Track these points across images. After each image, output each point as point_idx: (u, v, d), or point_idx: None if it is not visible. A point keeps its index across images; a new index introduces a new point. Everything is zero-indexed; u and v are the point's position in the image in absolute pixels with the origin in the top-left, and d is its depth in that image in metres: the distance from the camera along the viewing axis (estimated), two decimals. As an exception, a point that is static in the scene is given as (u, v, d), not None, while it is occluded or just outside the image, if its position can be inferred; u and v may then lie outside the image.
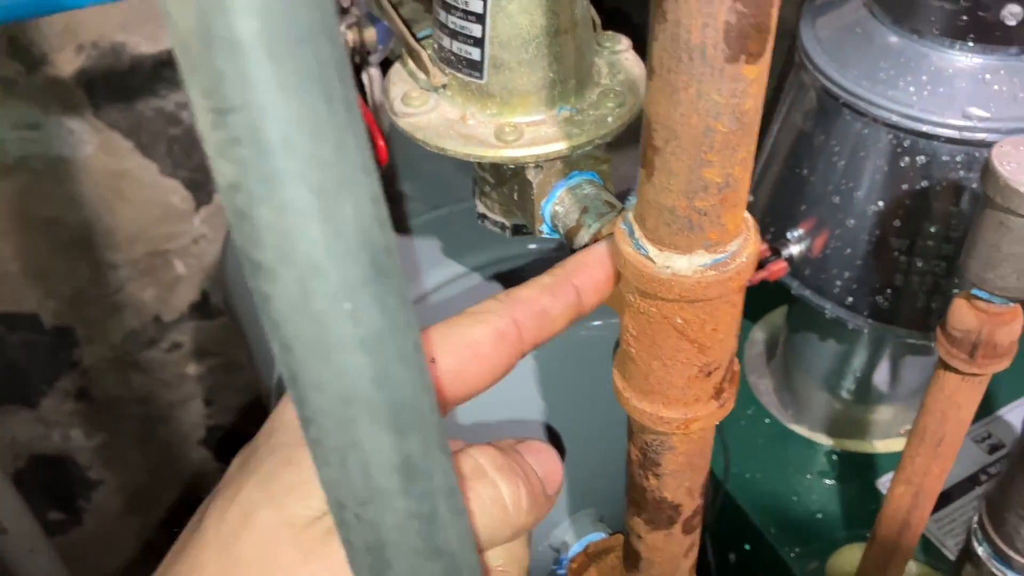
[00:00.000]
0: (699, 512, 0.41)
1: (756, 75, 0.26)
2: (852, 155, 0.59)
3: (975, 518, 0.57)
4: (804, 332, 0.76)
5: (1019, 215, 0.42)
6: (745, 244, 0.31)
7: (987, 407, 0.79)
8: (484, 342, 0.30)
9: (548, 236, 0.41)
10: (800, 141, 0.63)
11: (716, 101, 0.26)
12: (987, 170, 0.43)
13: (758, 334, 0.88)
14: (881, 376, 0.74)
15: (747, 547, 0.73)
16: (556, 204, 0.40)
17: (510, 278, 0.63)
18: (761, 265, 0.66)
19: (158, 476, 1.51)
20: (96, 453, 1.44)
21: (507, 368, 0.31)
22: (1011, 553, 0.54)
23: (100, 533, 1.51)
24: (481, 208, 0.45)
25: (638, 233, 0.31)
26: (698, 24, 0.24)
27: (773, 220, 0.68)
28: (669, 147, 0.27)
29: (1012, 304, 0.46)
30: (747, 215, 0.31)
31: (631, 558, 0.43)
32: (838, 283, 0.64)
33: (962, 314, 0.47)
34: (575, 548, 0.59)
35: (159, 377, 1.41)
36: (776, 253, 0.66)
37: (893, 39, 0.57)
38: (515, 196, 0.41)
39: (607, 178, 0.41)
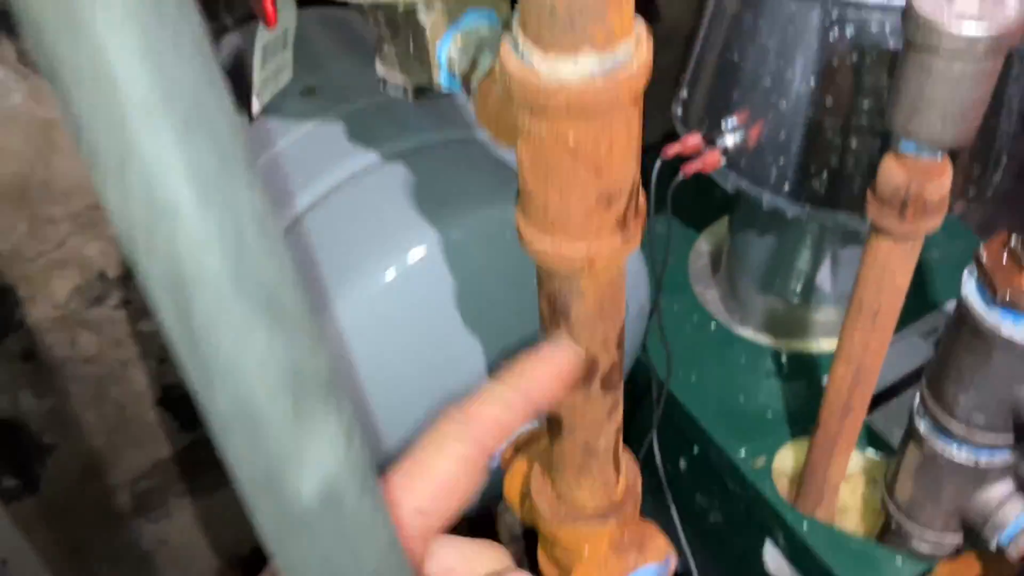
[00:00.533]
0: (617, 368, 0.39)
1: None
2: (781, 34, 0.58)
3: (917, 395, 0.57)
4: (746, 234, 0.75)
5: (940, 56, 0.40)
6: (637, 52, 0.29)
7: (933, 301, 0.78)
8: (456, 474, 0.29)
9: (448, 89, 0.39)
10: (730, 26, 0.62)
11: None
12: (907, 12, 0.41)
13: (703, 245, 0.87)
14: (824, 275, 0.73)
15: (696, 450, 0.72)
16: (452, 48, 0.38)
17: (414, 161, 0.60)
18: (696, 156, 0.65)
19: (114, 439, 1.48)
20: (48, 417, 1.40)
21: (478, 487, 0.30)
22: (950, 424, 0.53)
23: (58, 499, 1.48)
24: (381, 70, 0.42)
25: (522, 41, 0.29)
26: None
27: (708, 112, 0.66)
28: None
29: (940, 157, 0.45)
30: (640, 23, 0.30)
31: (553, 426, 0.42)
32: (774, 171, 0.63)
33: (890, 171, 0.46)
34: (507, 440, 0.57)
35: (108, 335, 1.38)
36: (710, 144, 0.64)
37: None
38: (411, 48, 0.39)
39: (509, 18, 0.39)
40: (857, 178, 0.61)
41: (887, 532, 0.64)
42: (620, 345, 0.38)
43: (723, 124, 0.64)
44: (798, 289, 0.75)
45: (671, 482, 0.76)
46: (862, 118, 0.58)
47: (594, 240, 0.33)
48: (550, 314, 0.36)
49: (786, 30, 0.58)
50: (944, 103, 0.42)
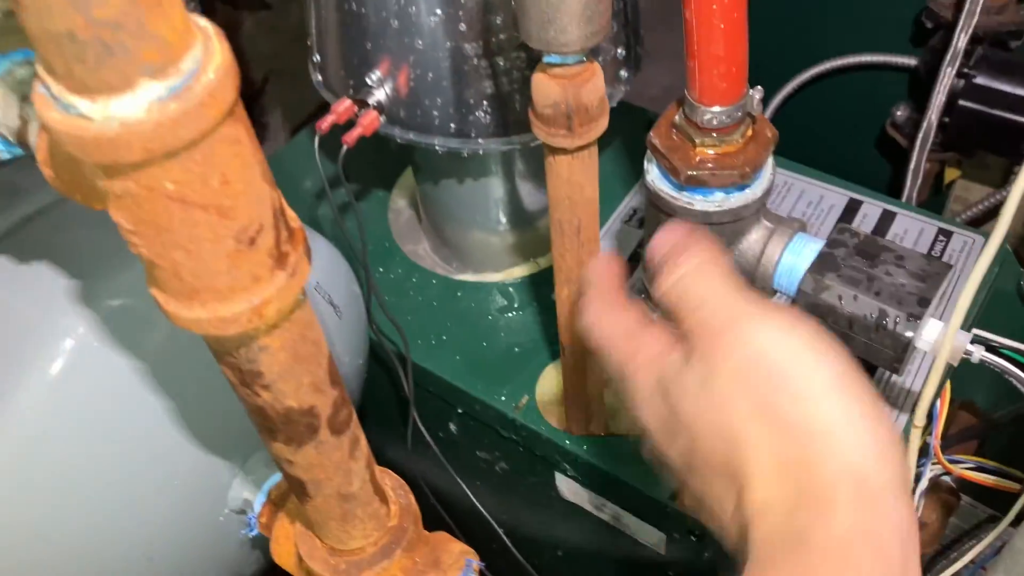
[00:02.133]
0: (342, 404, 0.34)
1: None
2: (391, -32, 0.53)
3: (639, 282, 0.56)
4: (435, 181, 0.71)
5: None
6: (209, 55, 0.23)
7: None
8: None
9: (7, 154, 0.31)
10: (336, -26, 0.56)
11: None
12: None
13: (398, 201, 0.82)
14: (526, 194, 0.72)
15: (460, 410, 0.70)
16: (-10, 107, 0.30)
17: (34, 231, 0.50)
18: (353, 121, 0.60)
19: None
20: None
21: None
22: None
23: None
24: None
25: (56, 88, 0.22)
26: None
27: (348, 72, 0.61)
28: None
29: (585, 60, 0.43)
30: (200, 21, 0.24)
31: (297, 489, 0.36)
32: (436, 113, 0.59)
33: (543, 89, 0.43)
34: (260, 499, 0.51)
35: None
36: (363, 105, 0.59)
37: None
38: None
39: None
40: (517, 97, 0.59)
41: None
42: (335, 380, 0.33)
43: (368, 80, 0.59)
44: (503, 217, 0.73)
45: (448, 449, 0.73)
46: (501, 35, 0.56)
47: (253, 288, 0.27)
48: (240, 379, 0.30)
49: (396, -35, 0.53)
50: (571, 5, 0.39)
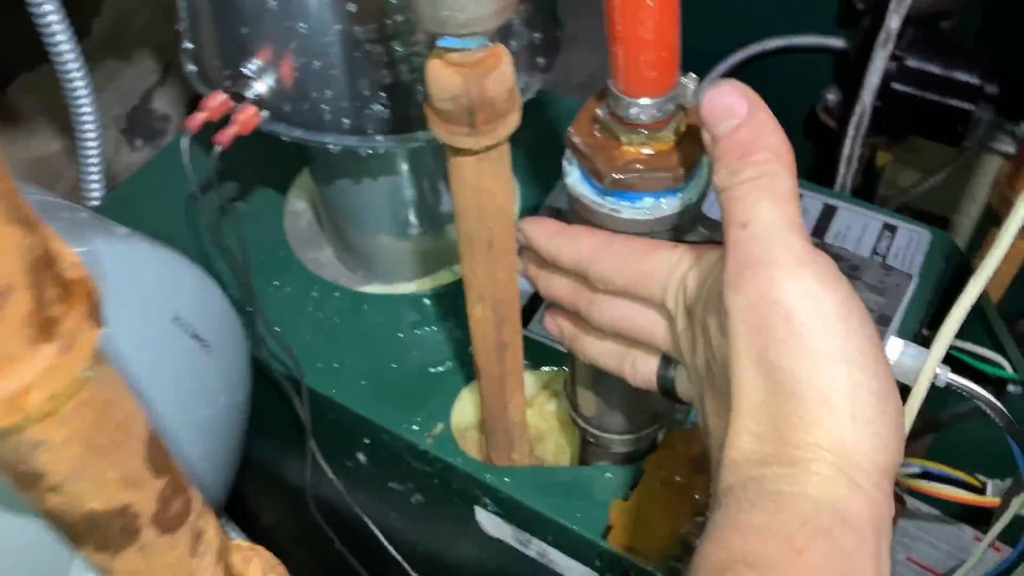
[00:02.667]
0: (177, 493, 0.26)
1: None
2: (262, -63, 0.45)
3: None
4: (333, 182, 0.63)
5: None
6: None
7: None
8: None
9: None
10: (199, -56, 0.48)
11: None
12: None
13: (296, 204, 0.74)
14: (439, 194, 0.65)
15: (367, 440, 0.62)
16: None
17: None
18: (228, 119, 0.51)
19: None
20: None
21: None
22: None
23: None
24: None
25: None
26: None
27: (224, 61, 0.52)
28: None
29: (490, 44, 0.36)
30: None
31: (126, 594, 0.28)
32: (326, 107, 0.51)
33: (440, 79, 0.36)
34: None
35: None
36: (240, 99, 0.51)
37: None
38: None
39: None
40: (421, 88, 0.51)
41: (587, 445, 0.59)
42: (161, 466, 0.25)
43: (245, 70, 0.51)
44: (413, 220, 0.65)
45: (356, 481, 0.65)
46: (398, 16, 0.48)
47: (8, 370, 0.19)
48: (20, 486, 0.22)
49: (268, -65, 0.45)
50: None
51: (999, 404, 0.43)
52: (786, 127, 1.21)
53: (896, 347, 0.41)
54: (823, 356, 0.30)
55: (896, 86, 1.16)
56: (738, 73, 1.35)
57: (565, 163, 0.43)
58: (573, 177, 0.42)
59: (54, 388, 0.20)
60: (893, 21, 1.07)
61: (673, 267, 0.38)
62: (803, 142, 1.43)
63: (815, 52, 1.32)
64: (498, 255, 0.44)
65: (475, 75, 0.36)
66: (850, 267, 0.42)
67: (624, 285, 0.40)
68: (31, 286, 0.19)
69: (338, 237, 0.69)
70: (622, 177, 0.40)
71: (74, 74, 0.67)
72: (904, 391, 0.42)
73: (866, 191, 1.42)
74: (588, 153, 0.41)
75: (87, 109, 0.69)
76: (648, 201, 0.41)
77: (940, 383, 0.41)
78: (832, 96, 1.31)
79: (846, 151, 1.18)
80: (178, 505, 0.27)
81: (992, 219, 0.78)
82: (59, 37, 0.63)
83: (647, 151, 0.40)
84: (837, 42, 1.29)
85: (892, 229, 0.68)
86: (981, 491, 0.78)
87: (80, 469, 0.23)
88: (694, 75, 0.39)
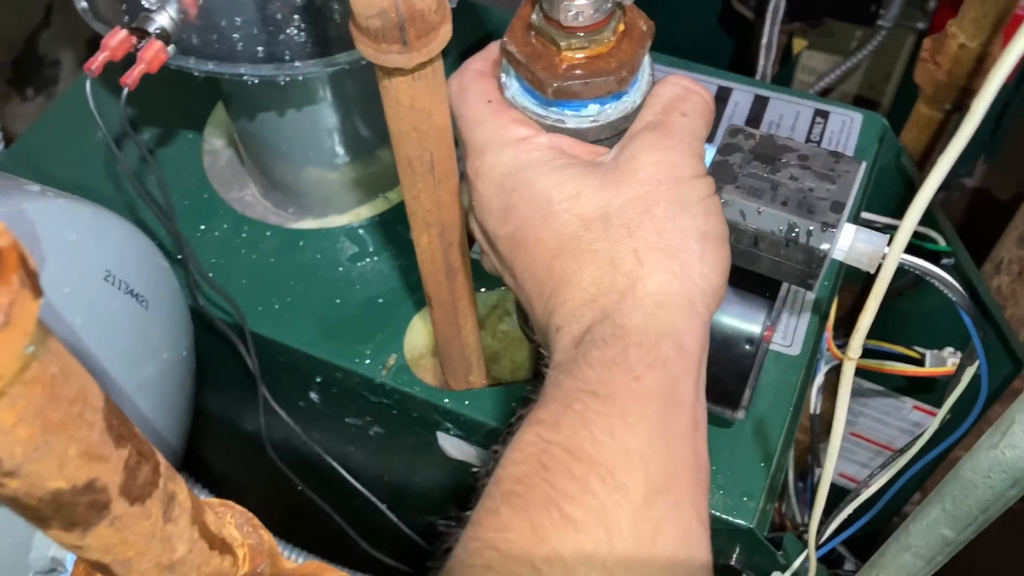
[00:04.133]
0: (144, 459, 0.25)
1: None
2: None
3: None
4: (252, 116, 0.60)
5: None
6: None
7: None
8: None
9: None
10: None
11: None
12: None
13: (213, 142, 0.70)
14: (365, 119, 0.62)
15: (319, 379, 0.61)
16: None
17: None
18: (131, 59, 0.48)
19: None
20: None
21: None
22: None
23: None
24: None
25: None
26: None
27: (118, -8, 0.48)
28: None
29: (412, -49, 0.33)
30: None
31: (102, 572, 0.27)
32: (236, 37, 0.48)
33: (364, -7, 0.34)
34: (71, 557, 0.41)
35: None
36: (143, 34, 0.48)
37: None
38: None
39: None
40: (337, 6, 0.48)
41: (541, 358, 0.59)
42: (123, 433, 0.24)
43: (145, 2, 0.47)
44: (339, 149, 0.63)
45: (311, 420, 0.64)
46: (304, -70, 0.45)
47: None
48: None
49: None
50: None
51: (951, 279, 0.43)
52: (703, 19, 1.21)
53: (849, 233, 0.41)
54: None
55: (809, -32, 1.16)
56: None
57: (503, 75, 0.41)
58: (512, 90, 0.40)
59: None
60: (803, -97, 1.05)
61: None
62: (719, 32, 1.42)
63: (727, -62, 1.30)
64: (441, 178, 0.43)
65: (402, -14, 0.33)
66: (799, 156, 0.41)
67: None
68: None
69: (263, 174, 0.66)
70: (565, 85, 0.38)
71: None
72: (858, 273, 0.42)
73: (783, 77, 1.42)
74: (526, 63, 0.39)
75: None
76: (593, 108, 0.39)
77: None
78: (746, -15, 1.29)
79: (764, 39, 1.17)
80: (145, 472, 0.25)
81: (913, 96, 0.78)
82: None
83: (587, 54, 0.38)
84: (749, -75, 1.27)
85: (824, 115, 0.68)
86: (920, 362, 0.81)
87: (37, 450, 0.21)
88: (629, -31, 0.37)
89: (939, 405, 0.60)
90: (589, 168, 0.38)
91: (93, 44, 1.48)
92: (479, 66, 0.42)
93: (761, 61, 1.18)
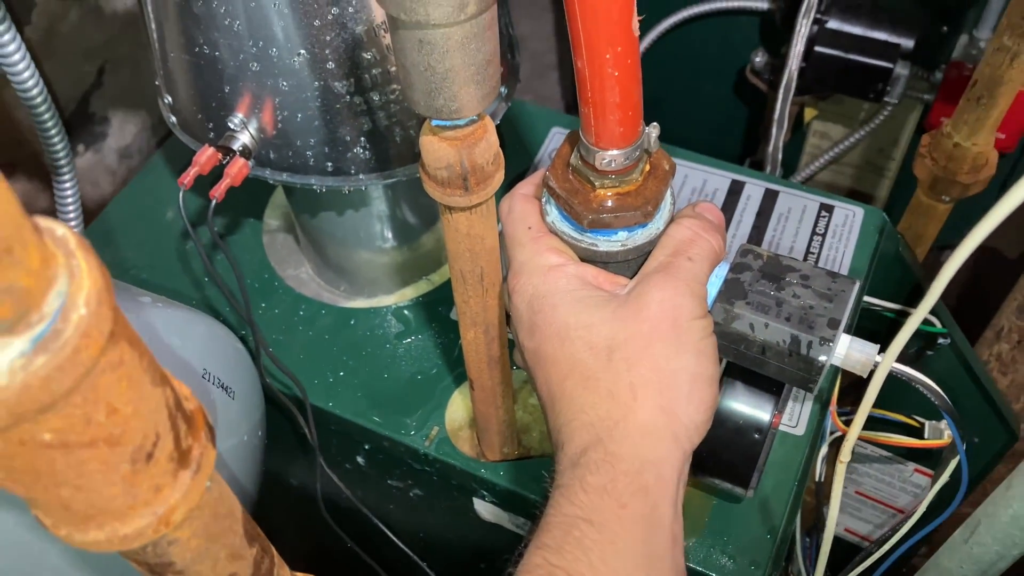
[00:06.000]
0: (265, 555, 0.31)
1: None
2: (244, 10, 0.48)
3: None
4: (315, 210, 0.67)
5: (434, 26, 0.34)
6: (75, 285, 0.19)
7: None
8: None
9: None
10: (181, 16, 0.51)
11: None
12: (378, -11, 0.34)
13: (271, 223, 0.78)
14: (412, 211, 0.69)
15: (367, 446, 0.67)
16: None
17: None
18: (219, 174, 0.55)
19: None
20: None
21: None
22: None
23: None
24: None
25: None
26: None
27: (206, 116, 0.55)
28: None
29: (477, 119, 0.40)
30: (64, 233, 0.20)
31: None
32: (310, 153, 0.55)
33: (435, 152, 0.40)
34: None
35: None
36: (228, 153, 0.55)
37: None
38: None
39: None
40: (396, 129, 0.55)
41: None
42: (253, 535, 0.30)
43: (230, 124, 0.55)
44: (389, 236, 0.70)
45: (357, 481, 0.70)
46: (374, 70, 0.52)
47: (155, 500, 0.24)
48: (150, 571, 0.27)
49: (248, 5, 0.48)
50: (456, 71, 0.36)
51: (936, 387, 0.49)
52: (718, 89, 1.29)
53: (845, 343, 0.47)
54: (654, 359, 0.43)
55: (819, 49, 1.22)
56: (670, 37, 1.39)
57: (544, 203, 0.48)
58: (553, 216, 0.47)
59: (190, 504, 0.24)
60: (814, -9, 1.12)
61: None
62: (735, 101, 1.49)
63: (742, 15, 1.37)
64: (488, 287, 0.49)
65: (466, 146, 0.40)
66: (801, 276, 0.47)
67: None
68: (172, 429, 0.23)
69: (317, 255, 0.73)
70: (598, 218, 0.45)
71: (45, 116, 0.68)
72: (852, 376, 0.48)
73: (796, 143, 1.49)
74: (565, 197, 0.45)
75: (58, 145, 0.71)
76: (622, 235, 0.46)
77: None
78: (759, 59, 1.36)
79: (777, 114, 1.24)
80: (266, 564, 0.31)
81: (911, 182, 0.84)
82: (20, 67, 0.63)
83: (617, 192, 0.45)
84: (761, 4, 1.34)
85: (829, 208, 0.74)
86: (920, 432, 0.86)
87: (200, 555, 0.27)
88: (656, 124, 0.44)
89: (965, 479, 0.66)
90: (605, 300, 0.44)
91: (137, 99, 1.57)
92: (526, 191, 0.49)
93: (773, 134, 1.25)
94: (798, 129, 1.48)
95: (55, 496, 0.22)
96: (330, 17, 0.48)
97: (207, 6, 0.49)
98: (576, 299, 0.44)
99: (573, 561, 0.37)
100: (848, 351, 0.47)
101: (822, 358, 0.45)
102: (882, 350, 0.71)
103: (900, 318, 0.75)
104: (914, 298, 0.77)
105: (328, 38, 0.50)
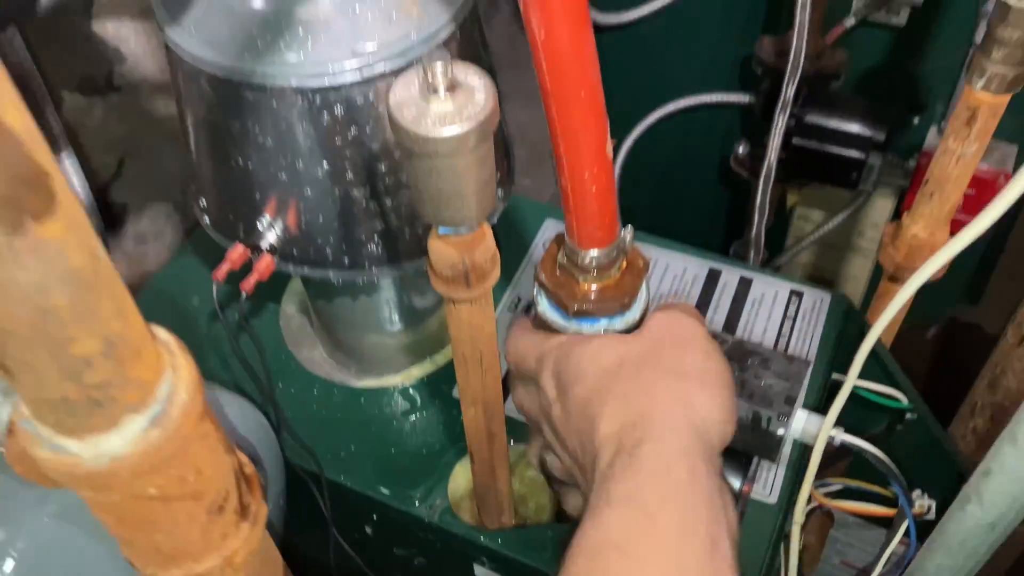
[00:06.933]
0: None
1: (61, 231, 0.20)
2: (274, 130, 0.56)
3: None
4: (329, 297, 0.74)
5: (439, 157, 0.42)
6: (178, 377, 0.26)
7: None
8: None
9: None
10: (217, 134, 0.58)
11: (24, 282, 0.20)
12: (394, 125, 0.41)
13: (289, 308, 0.84)
14: (418, 297, 0.75)
15: (374, 516, 0.72)
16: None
17: None
18: (248, 267, 0.62)
19: None
20: None
21: None
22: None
23: None
24: None
25: (45, 431, 0.24)
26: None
27: (237, 217, 0.63)
28: (13, 346, 0.21)
29: (477, 226, 0.47)
30: (167, 337, 0.26)
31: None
32: (328, 250, 0.62)
33: (442, 255, 0.47)
34: None
35: None
36: (256, 250, 0.62)
37: (256, 2, 0.54)
38: None
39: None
40: (406, 228, 0.62)
41: (560, 504, 0.70)
42: (288, 582, 0.36)
43: (259, 225, 0.62)
44: (397, 320, 0.76)
45: (364, 548, 0.75)
46: (386, 178, 0.59)
47: (223, 544, 0.30)
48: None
49: (277, 125, 0.56)
50: (460, 191, 0.43)
51: (883, 456, 0.55)
52: (706, 176, 1.38)
53: (802, 418, 0.53)
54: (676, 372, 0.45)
55: (796, 141, 1.31)
56: (659, 128, 1.48)
57: (535, 294, 0.54)
58: (543, 305, 0.54)
59: (249, 549, 0.31)
60: (789, 89, 1.21)
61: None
62: (722, 188, 1.58)
63: (725, 108, 1.46)
64: (487, 368, 0.56)
65: (467, 250, 0.47)
66: (762, 359, 0.54)
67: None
68: (237, 488, 0.30)
69: (331, 338, 0.79)
70: (582, 307, 0.52)
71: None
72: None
73: (780, 226, 1.56)
74: (553, 289, 0.52)
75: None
76: (603, 322, 0.53)
77: (836, 444, 0.53)
78: (742, 149, 1.45)
79: (758, 201, 1.32)
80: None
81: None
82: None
83: (599, 285, 0.52)
84: (743, 98, 1.43)
85: (799, 294, 0.81)
86: (894, 502, 0.92)
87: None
88: (631, 227, 0.51)
89: (917, 538, 0.71)
90: (612, 338, 0.49)
91: (152, 187, 1.65)
92: (521, 322, 0.57)
93: (755, 220, 1.33)
94: (781, 213, 1.55)
95: (150, 540, 0.28)
96: (350, 136, 0.56)
97: (243, 126, 0.56)
98: (589, 347, 0.48)
99: None
100: (805, 425, 0.53)
101: (780, 431, 0.52)
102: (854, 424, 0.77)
103: (868, 394, 0.81)
104: (879, 375, 0.83)
105: (347, 152, 0.57)
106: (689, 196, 1.57)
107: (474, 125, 0.40)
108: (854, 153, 1.30)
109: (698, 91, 1.45)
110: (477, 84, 0.42)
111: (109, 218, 1.27)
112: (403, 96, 0.41)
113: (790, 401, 0.52)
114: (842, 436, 0.54)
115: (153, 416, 0.25)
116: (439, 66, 0.40)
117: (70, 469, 0.24)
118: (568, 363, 0.48)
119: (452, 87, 0.41)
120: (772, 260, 1.52)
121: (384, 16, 0.54)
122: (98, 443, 0.24)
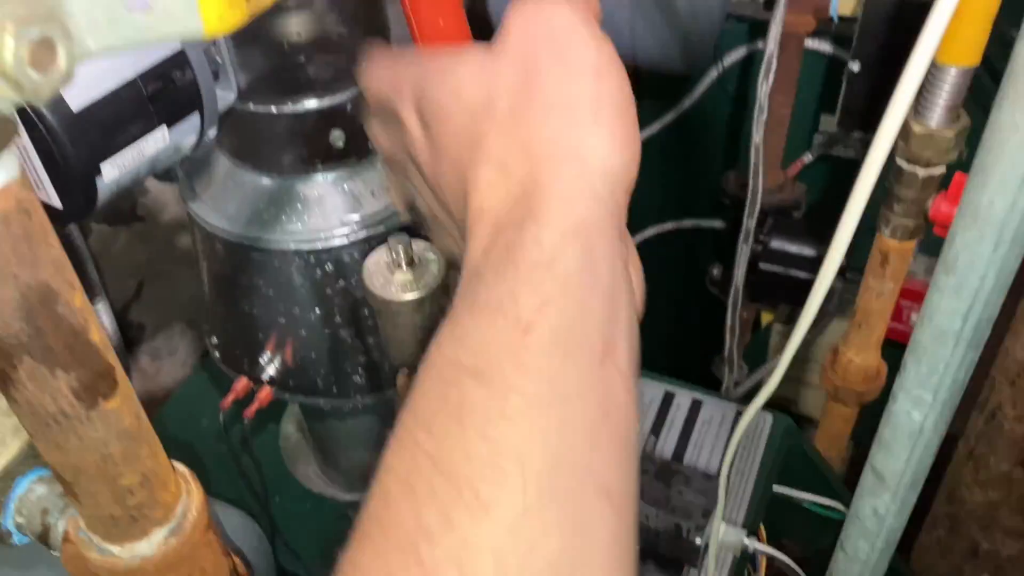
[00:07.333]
0: None
1: (118, 404, 0.30)
2: (276, 283, 0.67)
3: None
4: (321, 419, 0.84)
5: (403, 314, 0.52)
6: (191, 498, 0.36)
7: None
8: None
9: (17, 541, 0.42)
10: (228, 285, 0.69)
11: (94, 438, 0.30)
12: (367, 291, 0.52)
13: (288, 427, 0.94)
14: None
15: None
16: (15, 517, 0.41)
17: None
18: (251, 399, 0.72)
19: None
20: None
21: None
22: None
23: None
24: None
25: (96, 539, 0.34)
26: (47, 400, 0.28)
27: (242, 351, 0.73)
28: (81, 480, 0.31)
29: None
30: (183, 469, 0.36)
31: None
32: (319, 381, 0.72)
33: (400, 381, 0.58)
34: None
35: None
36: (258, 381, 0.72)
37: (264, 181, 0.66)
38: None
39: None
40: (387, 362, 0.73)
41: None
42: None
43: (261, 360, 0.72)
44: (382, 438, 0.86)
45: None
46: (369, 321, 0.70)
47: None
48: None
49: (279, 279, 0.67)
50: (422, 339, 0.54)
51: (792, 564, 0.64)
52: (686, 296, 1.48)
53: (720, 529, 0.62)
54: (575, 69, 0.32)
55: (763, 265, 1.42)
56: (640, 252, 1.60)
57: None
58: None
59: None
60: (751, 220, 1.32)
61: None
62: (699, 309, 1.68)
63: (701, 233, 1.58)
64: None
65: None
66: (684, 478, 0.63)
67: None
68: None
69: (322, 455, 0.89)
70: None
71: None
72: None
73: (756, 345, 1.66)
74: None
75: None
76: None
77: (750, 552, 0.62)
78: (716, 272, 1.56)
79: (728, 323, 1.42)
80: None
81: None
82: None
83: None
84: (717, 223, 1.55)
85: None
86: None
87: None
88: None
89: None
90: (470, 55, 0.34)
91: (167, 307, 1.76)
92: (381, 51, 0.39)
93: (727, 340, 1.42)
94: (757, 331, 1.65)
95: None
96: (338, 287, 0.67)
97: (250, 280, 0.68)
98: (450, 78, 0.34)
99: (442, 439, 0.26)
100: (722, 536, 0.62)
101: (698, 541, 0.60)
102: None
103: (811, 506, 0.89)
104: (823, 488, 0.92)
105: (336, 300, 0.68)
106: (672, 312, 1.68)
107: (427, 292, 0.51)
108: (816, 276, 1.41)
109: (677, 217, 1.57)
110: (431, 258, 0.53)
111: (127, 338, 1.38)
112: (373, 267, 0.52)
113: (706, 514, 0.60)
114: (756, 545, 0.62)
115: (172, 528, 0.34)
116: (401, 247, 0.51)
117: (111, 566, 0.34)
118: (428, 99, 0.34)
119: (411, 262, 0.52)
120: (752, 374, 1.62)
121: (367, 192, 0.66)
122: (133, 548, 0.34)
